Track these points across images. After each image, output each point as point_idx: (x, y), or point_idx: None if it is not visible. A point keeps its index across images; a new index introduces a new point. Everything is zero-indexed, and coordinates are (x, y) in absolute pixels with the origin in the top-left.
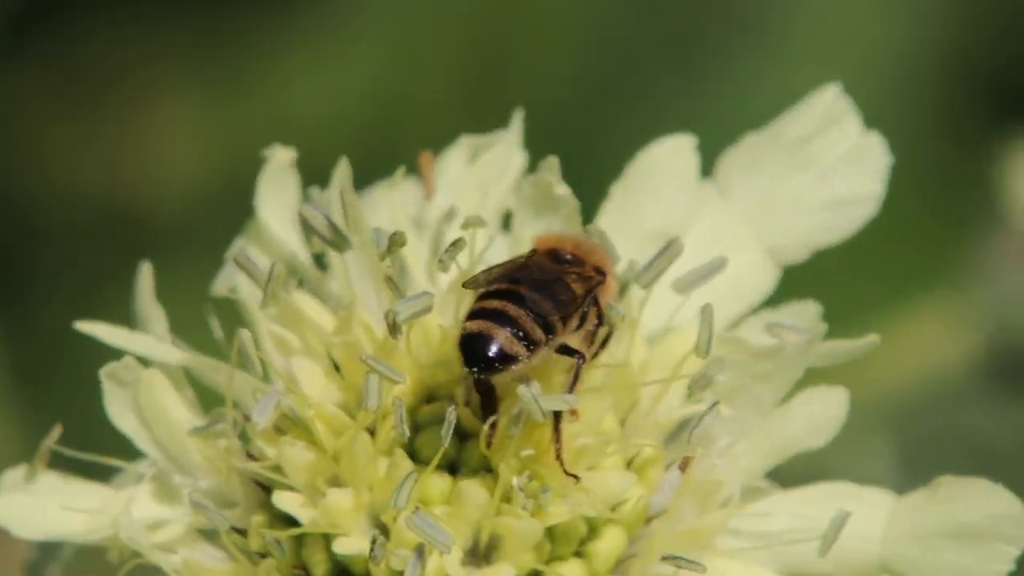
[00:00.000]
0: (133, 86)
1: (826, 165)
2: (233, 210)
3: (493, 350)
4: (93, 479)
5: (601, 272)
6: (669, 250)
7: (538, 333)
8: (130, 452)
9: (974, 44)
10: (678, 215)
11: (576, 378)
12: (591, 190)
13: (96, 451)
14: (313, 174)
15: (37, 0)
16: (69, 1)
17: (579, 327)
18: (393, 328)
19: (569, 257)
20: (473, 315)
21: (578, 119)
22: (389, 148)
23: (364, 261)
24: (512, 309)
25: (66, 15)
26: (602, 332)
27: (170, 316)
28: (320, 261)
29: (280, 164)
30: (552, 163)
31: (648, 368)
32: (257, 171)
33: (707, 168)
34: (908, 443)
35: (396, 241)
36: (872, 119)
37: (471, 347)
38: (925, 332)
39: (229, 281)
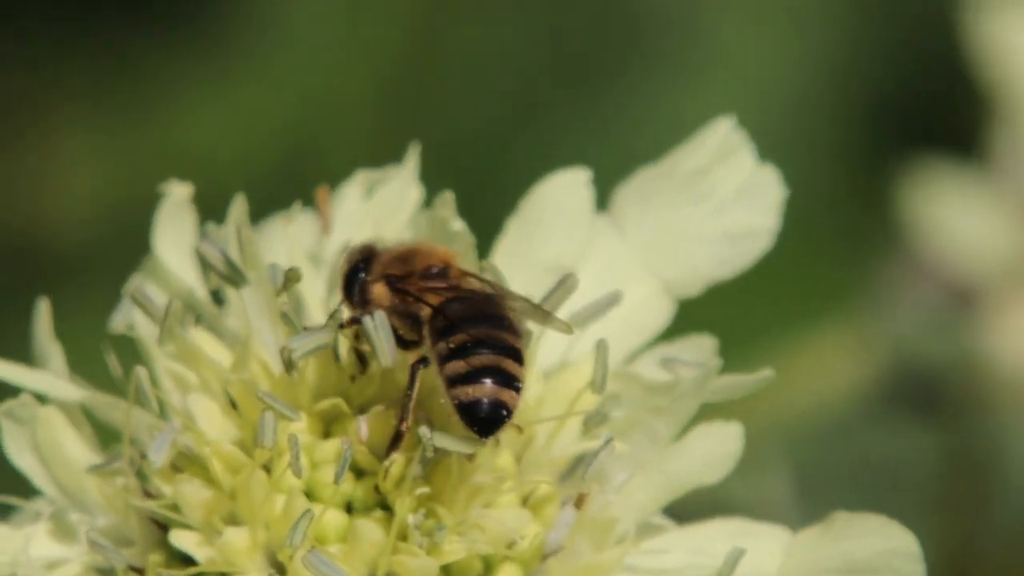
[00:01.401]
0: (32, 113)
1: (720, 198)
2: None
3: (505, 416)
4: None
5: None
6: (564, 285)
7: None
8: (27, 489)
9: (872, 69)
10: (573, 249)
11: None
12: (492, 218)
13: None
14: (217, 208)
15: None
16: None
17: None
18: (289, 364)
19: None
20: (472, 375)
21: (482, 149)
22: (296, 182)
23: (260, 297)
24: (512, 367)
25: None
26: None
27: (67, 348)
28: (217, 297)
29: (177, 199)
30: (448, 198)
31: (543, 404)
32: (158, 204)
33: (606, 196)
34: (805, 470)
35: (292, 277)
36: (771, 144)
37: (491, 418)
38: (822, 357)
39: (126, 317)
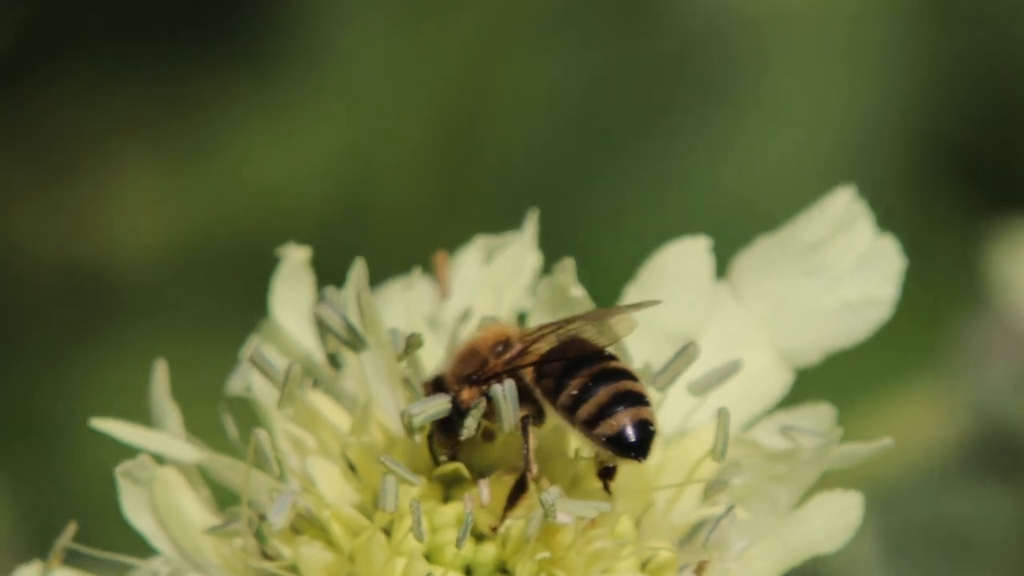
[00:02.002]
0: (89, 146)
1: (840, 269)
2: (197, 277)
3: (652, 430)
4: (106, 573)
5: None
6: (685, 353)
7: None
8: (144, 549)
9: (944, 109)
10: (694, 318)
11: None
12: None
13: (98, 524)
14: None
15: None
16: (32, 68)
17: None
18: (409, 429)
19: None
20: (606, 410)
21: (549, 185)
22: (357, 215)
23: (380, 361)
24: (634, 386)
25: (28, 83)
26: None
27: (131, 385)
28: (334, 360)
29: (295, 262)
30: (568, 264)
31: (663, 470)
32: (223, 237)
33: (682, 228)
34: (892, 530)
35: (413, 342)
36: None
37: (642, 439)
38: (907, 417)
39: (244, 380)
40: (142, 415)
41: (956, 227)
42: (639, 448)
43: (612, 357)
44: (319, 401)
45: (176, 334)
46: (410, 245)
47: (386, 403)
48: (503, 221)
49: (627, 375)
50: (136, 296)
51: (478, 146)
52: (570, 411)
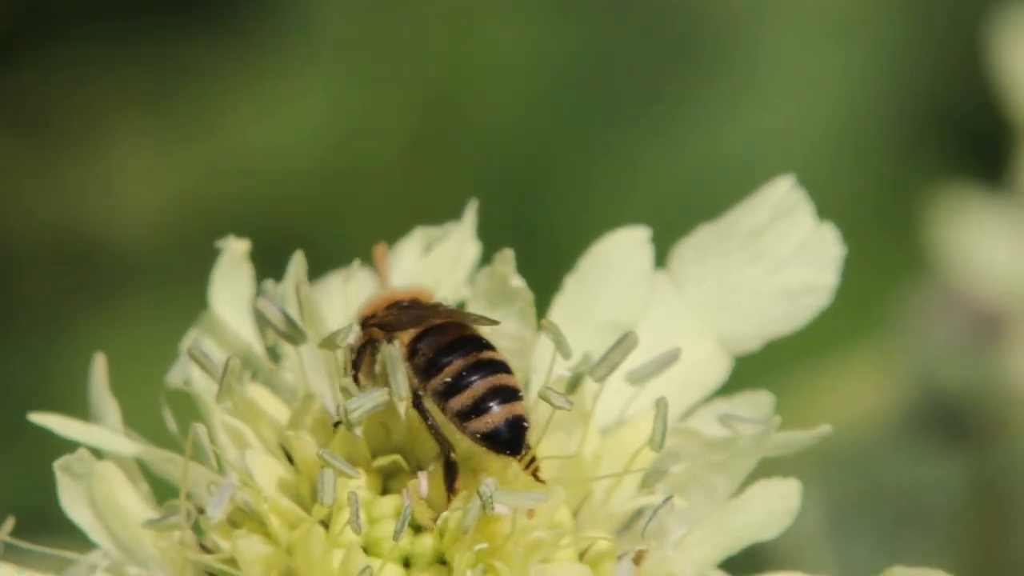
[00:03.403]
0: (92, 123)
1: (779, 256)
2: (189, 248)
3: (526, 426)
4: (47, 567)
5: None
6: (624, 343)
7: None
8: (83, 543)
9: (936, 85)
10: (632, 308)
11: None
12: (558, 244)
13: (52, 518)
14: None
15: None
16: (23, 42)
17: None
18: (348, 425)
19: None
20: (480, 404)
21: (540, 167)
22: (345, 180)
23: (319, 354)
24: (508, 379)
25: (23, 56)
26: None
27: (122, 360)
28: (273, 352)
29: (234, 254)
30: (507, 255)
31: (601, 460)
32: (218, 205)
33: (660, 216)
34: (837, 499)
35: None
36: (837, 156)
37: (516, 436)
38: (850, 384)
39: (183, 373)
40: (140, 384)
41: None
42: (512, 446)
43: (490, 347)
44: (258, 394)
45: (172, 302)
46: (398, 208)
47: (324, 395)
48: (484, 188)
49: (503, 367)
50: (133, 264)
51: (462, 114)
52: (443, 397)
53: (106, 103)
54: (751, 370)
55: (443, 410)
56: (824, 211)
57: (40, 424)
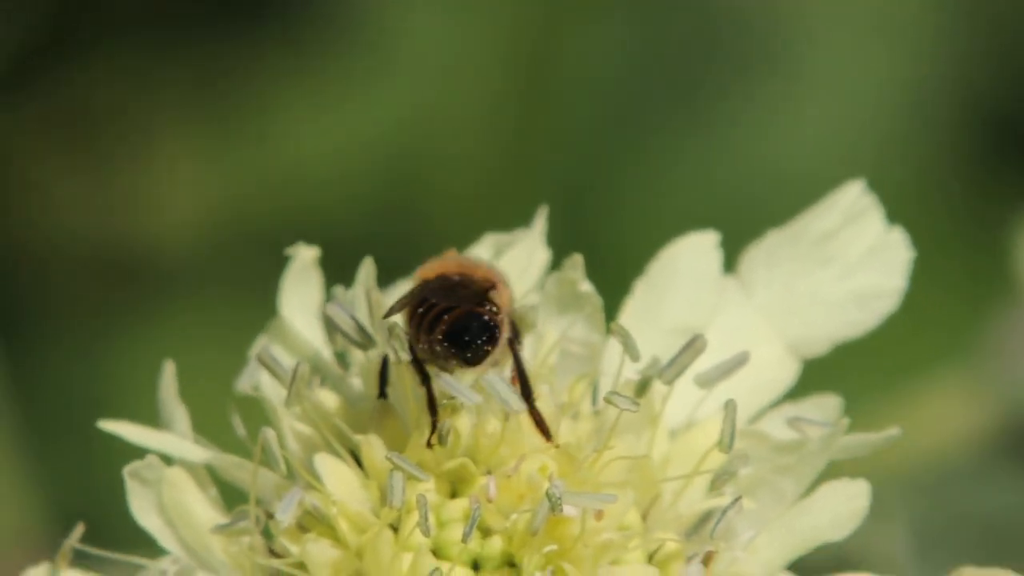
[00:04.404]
0: (137, 133)
1: (848, 261)
2: (235, 256)
3: (485, 326)
4: (112, 572)
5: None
6: (692, 346)
7: (496, 316)
8: (153, 549)
9: (983, 83)
10: (701, 311)
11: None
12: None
13: (106, 521)
14: (318, 226)
15: (39, 46)
16: (71, 49)
17: None
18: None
19: (458, 278)
20: (440, 315)
21: (590, 165)
22: (399, 200)
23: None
24: (468, 304)
25: (68, 63)
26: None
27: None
28: (342, 358)
29: (303, 261)
30: (576, 260)
31: (670, 462)
32: (265, 213)
33: (715, 216)
34: (924, 524)
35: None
36: (881, 154)
37: (465, 328)
38: (938, 407)
39: (252, 379)
40: (190, 391)
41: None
42: (461, 339)
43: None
44: (327, 399)
45: (215, 312)
46: (452, 222)
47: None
48: (552, 193)
49: (480, 298)
50: (180, 272)
51: (528, 132)
52: (427, 334)
53: (153, 111)
54: (840, 392)
55: (428, 347)
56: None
57: (109, 431)
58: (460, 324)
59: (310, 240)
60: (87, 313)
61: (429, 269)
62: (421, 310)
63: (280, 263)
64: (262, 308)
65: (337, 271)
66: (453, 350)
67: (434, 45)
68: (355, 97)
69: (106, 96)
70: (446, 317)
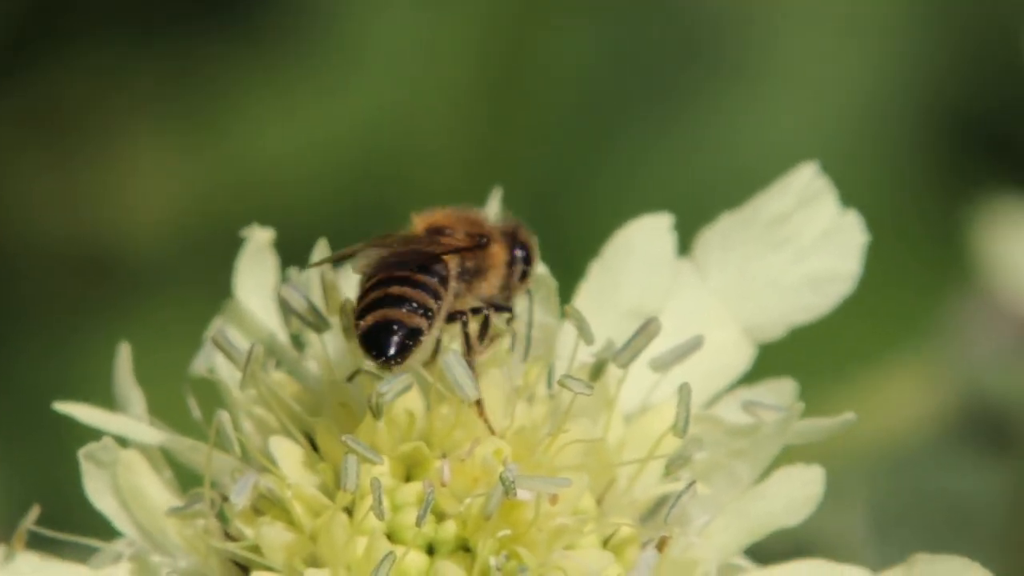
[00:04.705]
0: (107, 131)
1: (803, 244)
2: (208, 252)
3: (398, 334)
4: (71, 556)
5: (476, 237)
6: (647, 330)
7: (428, 301)
8: (108, 531)
9: (950, 84)
10: (655, 295)
11: (485, 330)
12: (580, 231)
13: (75, 512)
14: (287, 221)
15: (10, 44)
16: (42, 45)
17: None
18: (377, 410)
19: (447, 231)
20: (364, 311)
21: (561, 163)
22: (371, 192)
23: (343, 342)
24: (397, 289)
25: (39, 60)
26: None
27: (140, 357)
28: (298, 341)
29: (258, 244)
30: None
31: (625, 447)
32: (234, 215)
33: (689, 213)
34: (882, 507)
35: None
36: (850, 154)
37: (376, 337)
38: (895, 392)
39: (207, 362)
40: (152, 390)
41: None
42: (373, 346)
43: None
44: (282, 381)
45: (187, 309)
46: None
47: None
48: (525, 190)
49: (409, 283)
50: (151, 269)
51: (496, 129)
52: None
53: (124, 108)
54: (795, 377)
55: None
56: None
57: (64, 413)
58: (372, 332)
59: (281, 237)
60: (59, 309)
61: (426, 218)
62: (360, 293)
63: None
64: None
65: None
66: (370, 354)
67: (406, 41)
68: (326, 93)
69: (78, 93)
70: (360, 323)
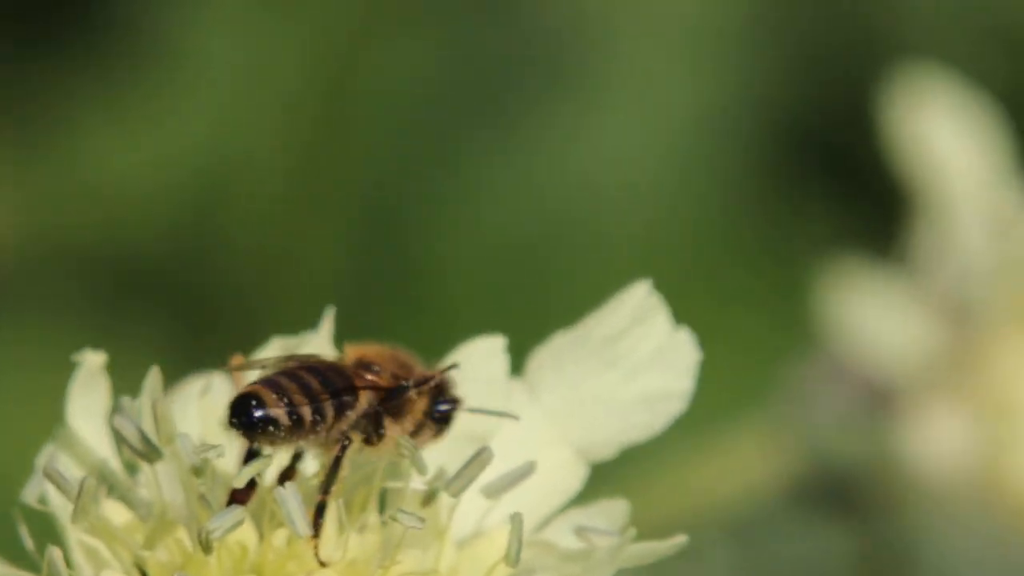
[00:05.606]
0: None
1: (635, 362)
2: (46, 276)
3: (259, 412)
4: None
5: (400, 380)
6: (479, 458)
7: (304, 409)
8: None
9: (787, 97)
10: (488, 419)
11: (336, 465)
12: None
13: None
14: (123, 242)
15: None
16: None
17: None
18: (207, 546)
19: (374, 367)
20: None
21: (397, 181)
22: (205, 211)
23: (175, 472)
24: (284, 380)
25: None
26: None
27: None
28: (131, 467)
29: (90, 368)
30: None
31: (458, 573)
32: (72, 238)
33: (530, 211)
34: (738, 569)
35: (207, 461)
36: (688, 168)
37: (239, 405)
38: (739, 457)
39: (38, 491)
40: None
41: (801, 212)
42: (233, 411)
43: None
44: (114, 511)
45: (24, 329)
46: (261, 239)
47: (181, 514)
48: (355, 213)
49: (292, 377)
50: None
51: (334, 147)
52: None
53: None
54: (639, 446)
55: None
56: (672, 236)
57: None
58: (236, 399)
59: (120, 260)
60: None
61: (358, 349)
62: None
63: (91, 285)
64: (74, 330)
65: (147, 289)
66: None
67: (241, 58)
68: (161, 113)
69: None
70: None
